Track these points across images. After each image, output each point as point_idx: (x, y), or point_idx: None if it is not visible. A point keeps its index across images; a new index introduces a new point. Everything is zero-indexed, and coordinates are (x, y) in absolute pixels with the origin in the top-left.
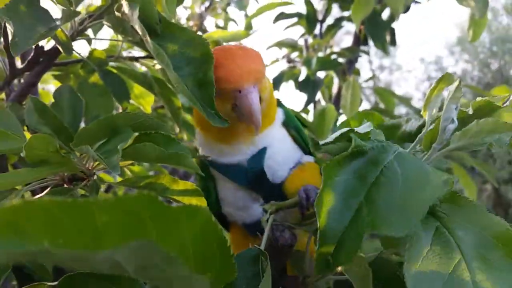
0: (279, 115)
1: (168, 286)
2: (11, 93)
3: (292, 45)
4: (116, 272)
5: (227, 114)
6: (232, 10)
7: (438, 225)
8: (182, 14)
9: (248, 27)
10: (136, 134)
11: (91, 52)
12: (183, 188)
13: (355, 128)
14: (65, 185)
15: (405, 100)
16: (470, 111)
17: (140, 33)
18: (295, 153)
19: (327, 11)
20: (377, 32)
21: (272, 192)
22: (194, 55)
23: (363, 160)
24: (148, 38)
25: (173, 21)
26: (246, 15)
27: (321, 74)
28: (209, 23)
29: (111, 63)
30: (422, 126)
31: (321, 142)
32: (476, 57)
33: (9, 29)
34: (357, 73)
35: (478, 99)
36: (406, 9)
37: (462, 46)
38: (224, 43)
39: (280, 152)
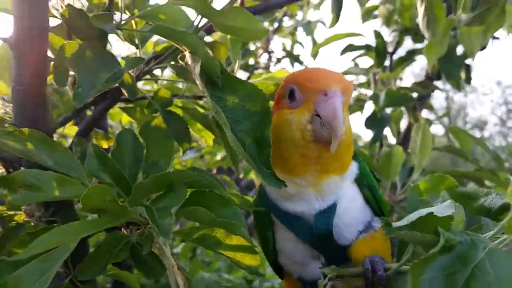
0: (353, 169)
1: None
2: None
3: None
4: None
5: (302, 129)
6: (300, 33)
7: None
8: None
9: (315, 54)
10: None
11: (156, 92)
12: (237, 243)
13: (434, 212)
14: (123, 230)
15: (482, 144)
16: None
17: (200, 88)
18: (366, 214)
19: (398, 43)
20: (451, 69)
21: (335, 254)
22: (254, 109)
23: (451, 256)
24: (208, 95)
25: (236, 64)
26: (313, 40)
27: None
28: (276, 44)
29: (175, 101)
30: (505, 206)
31: (394, 225)
32: None
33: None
34: (431, 108)
35: None
36: (483, 48)
37: None
38: None
39: (349, 211)
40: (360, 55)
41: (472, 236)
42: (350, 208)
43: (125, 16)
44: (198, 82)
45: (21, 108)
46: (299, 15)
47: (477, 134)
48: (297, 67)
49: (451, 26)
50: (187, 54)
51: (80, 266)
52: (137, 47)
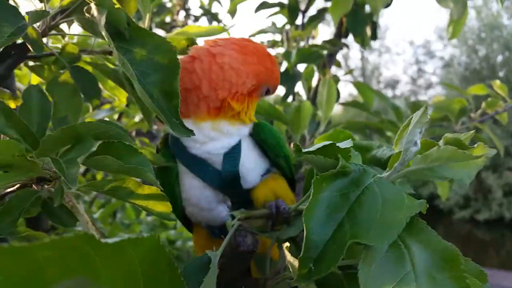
0: (251, 125)
1: None
2: None
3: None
4: None
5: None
6: None
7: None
8: None
9: (233, 12)
10: (99, 142)
11: (63, 47)
12: (148, 192)
13: (337, 143)
14: (34, 186)
15: (383, 97)
16: (442, 145)
17: (107, 40)
18: (265, 160)
19: (310, 1)
20: (357, 26)
21: (240, 197)
22: (162, 62)
23: (347, 180)
24: (114, 47)
25: (146, 18)
26: None
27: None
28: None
29: (84, 57)
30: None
31: (304, 150)
32: (465, 42)
33: None
34: (338, 65)
35: (451, 135)
36: (387, 5)
37: None
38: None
39: (250, 157)
40: (274, 13)
41: (365, 167)
42: (252, 152)
43: None
44: (103, 33)
45: None
46: None
47: (389, 92)
48: (215, 25)
49: None
50: (92, 6)
51: None
52: (41, 1)
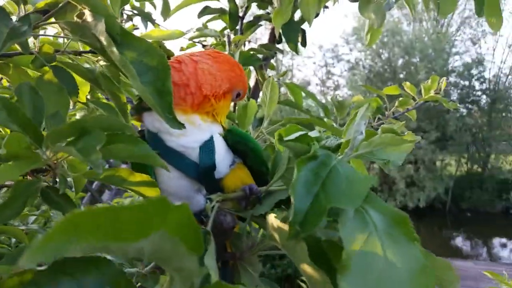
0: (220, 126)
1: (168, 263)
2: None
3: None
4: (136, 256)
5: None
6: None
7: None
8: None
9: (169, 15)
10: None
11: (41, 47)
12: (140, 179)
13: (309, 133)
14: (29, 177)
15: (312, 95)
16: (380, 132)
17: (105, 43)
18: (231, 153)
19: (247, 8)
20: (291, 34)
21: (213, 185)
22: (152, 64)
23: (316, 162)
24: (115, 50)
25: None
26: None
27: None
28: None
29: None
30: (339, 145)
31: (285, 139)
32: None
33: None
34: (273, 68)
35: (387, 126)
36: (317, 15)
37: (357, 36)
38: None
39: (221, 149)
40: (213, 18)
41: (328, 152)
42: (221, 147)
43: None
44: (103, 38)
45: None
46: None
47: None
48: (150, 26)
49: None
50: (87, 12)
51: None
52: (18, 3)
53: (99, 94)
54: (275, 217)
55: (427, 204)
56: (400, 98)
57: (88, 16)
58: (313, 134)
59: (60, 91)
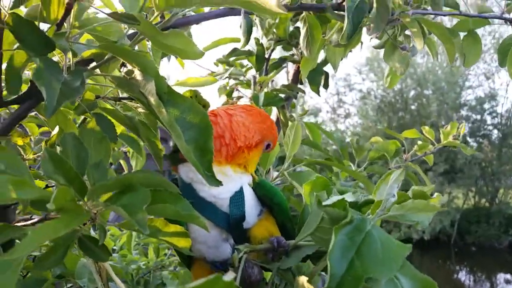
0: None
1: None
2: None
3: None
4: None
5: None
6: None
7: None
8: None
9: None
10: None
11: (83, 94)
12: (174, 231)
13: (345, 198)
14: None
15: (331, 136)
16: (410, 194)
17: (154, 104)
18: (259, 203)
19: (272, 50)
20: (315, 77)
21: (240, 235)
22: (194, 121)
23: (351, 227)
24: (164, 111)
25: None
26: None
27: None
28: None
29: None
30: (367, 201)
31: (323, 203)
32: (382, 77)
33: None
34: (293, 107)
35: (418, 189)
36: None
37: (370, 66)
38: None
39: (250, 200)
40: (240, 58)
41: (362, 216)
42: (250, 198)
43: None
44: (152, 99)
45: None
46: None
47: (312, 119)
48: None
49: (322, 46)
50: (136, 71)
51: (39, 258)
52: (65, 52)
53: None
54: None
55: (432, 237)
56: (419, 142)
57: (137, 74)
58: (349, 198)
59: (103, 139)
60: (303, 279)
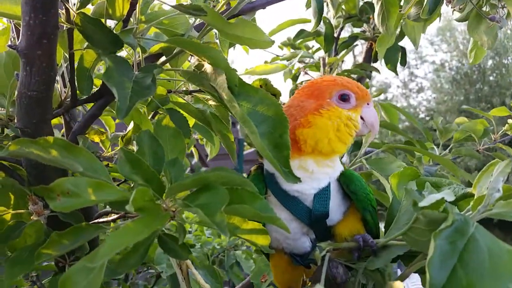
0: (340, 168)
1: None
2: (70, 120)
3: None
4: None
5: (355, 125)
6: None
7: None
8: None
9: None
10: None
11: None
12: (252, 227)
13: (444, 197)
14: None
15: (410, 117)
16: None
17: (226, 98)
18: (347, 199)
19: (341, 29)
20: (391, 54)
21: (323, 231)
22: (268, 114)
23: (451, 229)
24: (236, 105)
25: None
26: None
27: None
28: None
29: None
30: (466, 194)
31: (419, 205)
32: (456, 47)
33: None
34: (367, 87)
35: None
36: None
37: (442, 37)
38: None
39: (337, 198)
40: (306, 40)
41: (464, 216)
42: (338, 194)
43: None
44: (223, 93)
45: (28, 112)
46: None
47: (381, 96)
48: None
49: (400, 21)
50: (206, 65)
51: (122, 257)
52: (134, 48)
53: None
54: None
55: None
56: (510, 120)
57: (207, 68)
58: (448, 197)
59: (177, 135)
60: (398, 284)
